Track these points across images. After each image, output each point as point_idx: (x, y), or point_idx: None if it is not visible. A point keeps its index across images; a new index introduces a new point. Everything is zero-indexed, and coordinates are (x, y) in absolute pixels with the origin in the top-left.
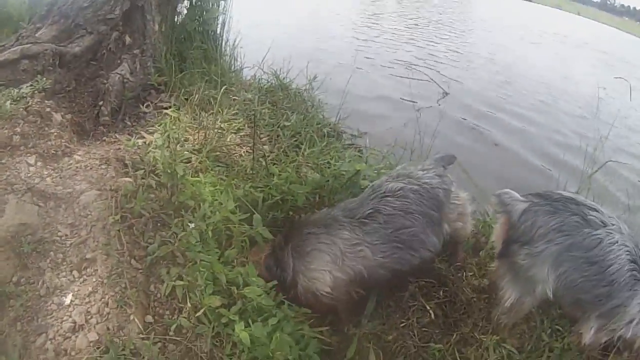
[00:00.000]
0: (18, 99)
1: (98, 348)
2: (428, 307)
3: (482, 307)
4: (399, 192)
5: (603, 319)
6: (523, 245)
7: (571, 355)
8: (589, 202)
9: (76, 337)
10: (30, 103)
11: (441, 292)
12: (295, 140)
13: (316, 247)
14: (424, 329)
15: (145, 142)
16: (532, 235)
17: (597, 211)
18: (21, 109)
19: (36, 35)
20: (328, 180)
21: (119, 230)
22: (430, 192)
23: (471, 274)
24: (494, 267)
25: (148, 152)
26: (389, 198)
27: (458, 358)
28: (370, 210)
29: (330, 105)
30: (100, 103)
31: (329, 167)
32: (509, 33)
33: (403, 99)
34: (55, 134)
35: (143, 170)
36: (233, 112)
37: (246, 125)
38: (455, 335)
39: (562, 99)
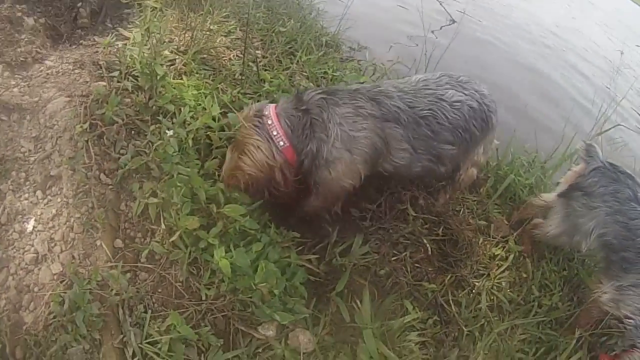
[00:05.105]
0: None
1: (62, 282)
2: (425, 242)
3: (477, 249)
4: (457, 104)
5: (620, 294)
6: (584, 195)
7: (557, 314)
8: None
9: (39, 269)
10: None
11: (441, 230)
12: (290, 48)
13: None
14: (416, 265)
15: (125, 44)
16: (594, 191)
17: None
18: None
19: None
20: None
21: (87, 141)
22: (486, 114)
23: (469, 210)
24: (543, 202)
25: (126, 52)
26: (445, 104)
27: (451, 301)
28: (427, 113)
29: (329, 15)
30: (79, 4)
31: (324, 77)
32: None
33: (409, 20)
34: (26, 39)
35: (119, 72)
36: (224, 13)
37: (238, 28)
38: (449, 276)
39: (578, 58)
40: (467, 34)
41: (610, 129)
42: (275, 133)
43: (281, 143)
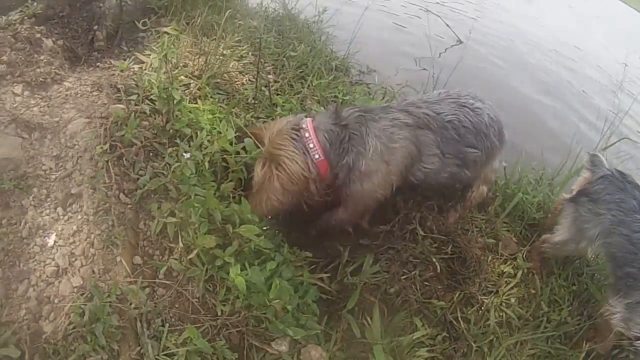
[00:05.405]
0: (6, 26)
1: (82, 294)
2: (434, 260)
3: (486, 267)
4: (478, 110)
5: (629, 312)
6: (590, 201)
7: (566, 328)
8: None
9: (59, 282)
10: (19, 30)
11: (449, 248)
12: (301, 72)
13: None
14: (426, 283)
15: (141, 67)
16: (599, 197)
17: None
18: (9, 37)
19: None
20: None
21: (107, 161)
22: (501, 126)
23: (477, 229)
24: (557, 206)
25: (143, 76)
26: (467, 110)
27: (460, 318)
28: (452, 117)
29: (339, 39)
30: (95, 27)
31: (335, 101)
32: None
33: (417, 41)
34: (45, 60)
35: (137, 96)
36: (237, 38)
37: (250, 53)
38: (458, 293)
39: (580, 69)
40: (472, 55)
41: (615, 142)
42: (311, 146)
43: (316, 156)
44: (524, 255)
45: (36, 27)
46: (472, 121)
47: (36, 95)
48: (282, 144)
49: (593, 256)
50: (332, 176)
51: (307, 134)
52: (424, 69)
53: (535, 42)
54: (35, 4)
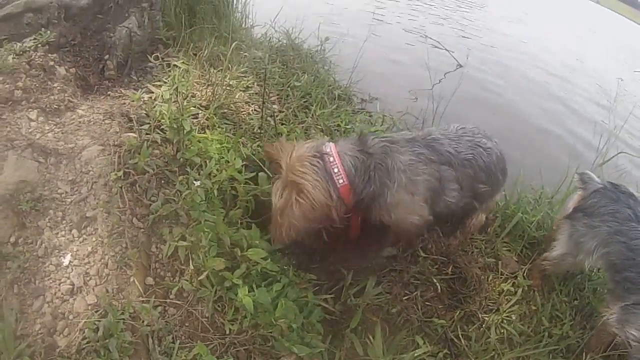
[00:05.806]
0: (21, 53)
1: (96, 311)
2: (435, 281)
3: (486, 285)
4: (489, 150)
5: (625, 314)
6: (585, 215)
7: (568, 342)
8: None
9: (74, 299)
10: (33, 57)
11: (450, 269)
12: (305, 101)
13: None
14: (427, 303)
15: (151, 97)
16: (594, 211)
17: None
18: (23, 63)
19: None
20: None
21: (121, 187)
22: (504, 163)
23: (477, 249)
24: (557, 224)
25: (154, 107)
26: (481, 150)
27: (460, 335)
28: (469, 156)
29: (341, 68)
30: (106, 57)
31: (338, 130)
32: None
33: (417, 68)
34: (59, 88)
35: (148, 125)
36: (242, 69)
37: (255, 83)
38: (459, 312)
39: (576, 86)
40: (469, 80)
41: (612, 157)
42: (336, 170)
43: (340, 181)
44: (525, 273)
45: (49, 55)
46: (485, 161)
47: (50, 122)
48: (303, 171)
49: (592, 269)
50: (354, 202)
51: (331, 159)
52: (424, 96)
53: (530, 62)
54: (48, 32)
